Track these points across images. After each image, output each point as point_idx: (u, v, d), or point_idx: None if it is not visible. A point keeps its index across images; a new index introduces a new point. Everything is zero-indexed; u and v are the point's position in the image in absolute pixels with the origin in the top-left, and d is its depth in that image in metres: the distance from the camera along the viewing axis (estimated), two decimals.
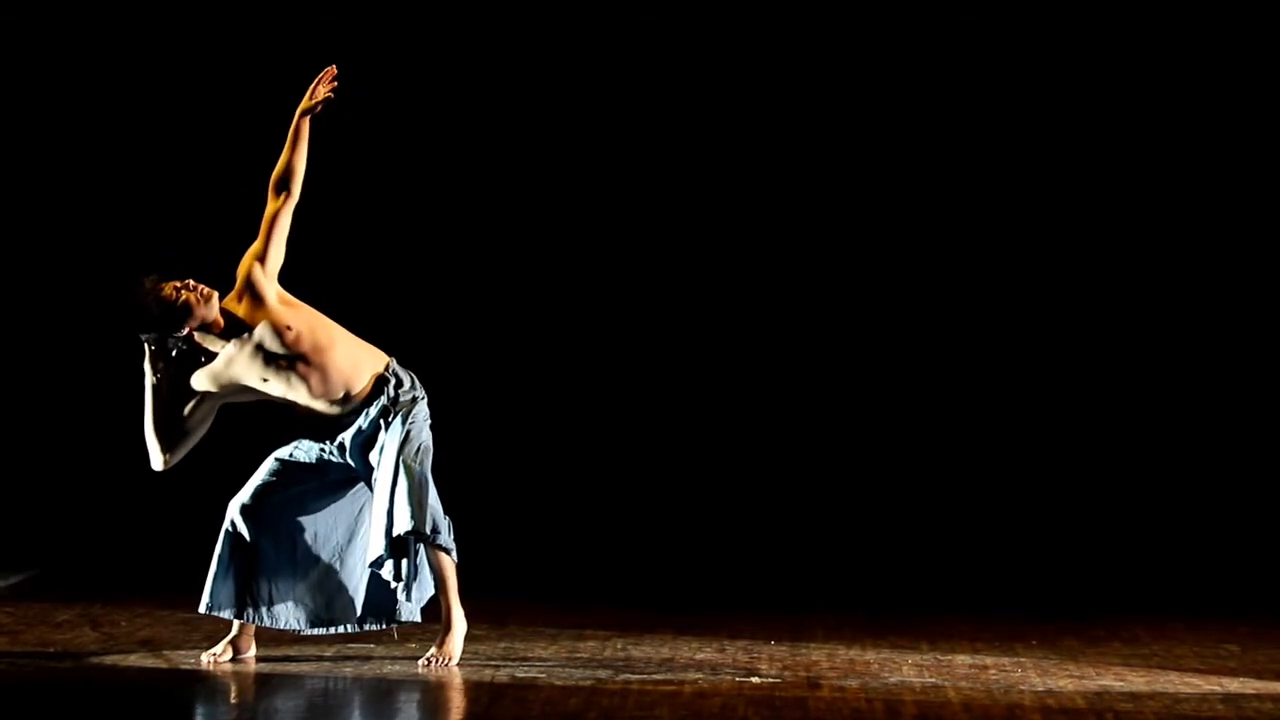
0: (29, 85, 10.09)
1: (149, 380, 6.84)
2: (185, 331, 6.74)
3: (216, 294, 6.79)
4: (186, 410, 6.86)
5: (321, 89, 6.93)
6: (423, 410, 6.90)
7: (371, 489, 6.86)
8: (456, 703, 6.40)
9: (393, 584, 6.77)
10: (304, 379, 6.80)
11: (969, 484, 10.06)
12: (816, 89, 10.12)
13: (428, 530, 6.71)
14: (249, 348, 6.79)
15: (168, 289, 6.73)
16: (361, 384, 6.83)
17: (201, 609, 6.90)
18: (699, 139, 10.15)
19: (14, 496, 9.99)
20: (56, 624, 7.74)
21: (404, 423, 6.80)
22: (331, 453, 6.90)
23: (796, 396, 10.18)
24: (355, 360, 6.84)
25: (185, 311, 6.73)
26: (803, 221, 10.18)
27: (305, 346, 6.78)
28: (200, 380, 6.84)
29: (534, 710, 6.12)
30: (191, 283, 6.76)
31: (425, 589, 6.92)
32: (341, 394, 6.83)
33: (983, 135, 10.07)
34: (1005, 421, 10.09)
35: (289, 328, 6.77)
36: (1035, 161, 10.07)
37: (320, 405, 6.84)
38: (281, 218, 6.82)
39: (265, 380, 6.79)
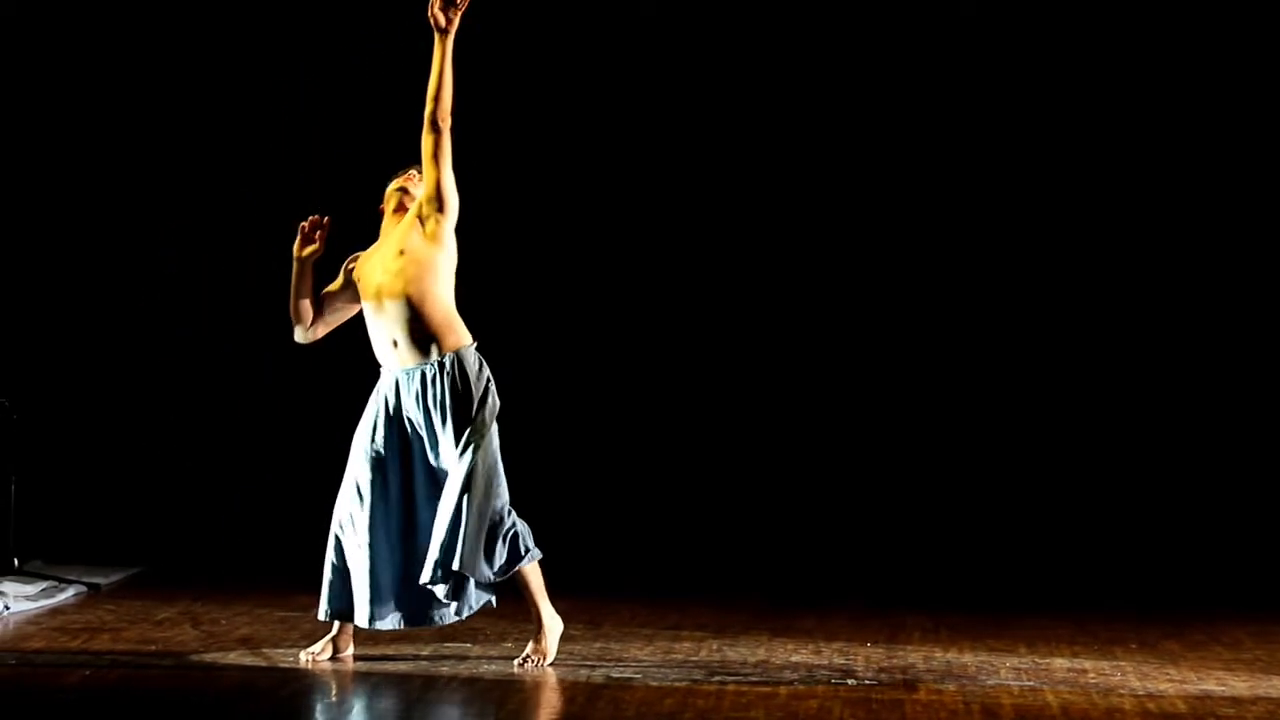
0: (34, 84, 10.15)
1: (296, 260, 7.03)
2: (380, 207, 7.06)
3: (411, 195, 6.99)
4: (329, 289, 7.07)
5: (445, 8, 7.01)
6: (485, 419, 6.85)
7: (437, 489, 6.85)
8: (552, 702, 6.41)
9: (444, 600, 6.79)
10: (377, 298, 6.87)
11: (1066, 485, 9.99)
12: (820, 87, 10.07)
13: (475, 576, 6.74)
14: (383, 246, 6.96)
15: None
16: (411, 345, 6.84)
17: (321, 616, 6.95)
18: (704, 138, 10.10)
19: (118, 495, 10.10)
20: (158, 621, 7.82)
21: (468, 441, 6.77)
22: (409, 442, 6.88)
23: (888, 400, 10.13)
24: (424, 322, 6.84)
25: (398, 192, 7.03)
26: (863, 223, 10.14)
27: (402, 272, 6.84)
28: (351, 263, 7.07)
29: (629, 711, 6.13)
30: (417, 175, 7.00)
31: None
32: (392, 337, 6.88)
33: (983, 134, 10.01)
34: (1103, 422, 10.01)
35: (402, 251, 6.88)
36: (1036, 160, 10.00)
37: (377, 335, 6.92)
38: (440, 151, 6.90)
39: (359, 279, 6.96)
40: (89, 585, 8.73)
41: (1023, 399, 10.06)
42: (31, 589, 8.44)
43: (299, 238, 7.07)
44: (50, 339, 10.16)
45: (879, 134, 10.10)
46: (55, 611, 8.09)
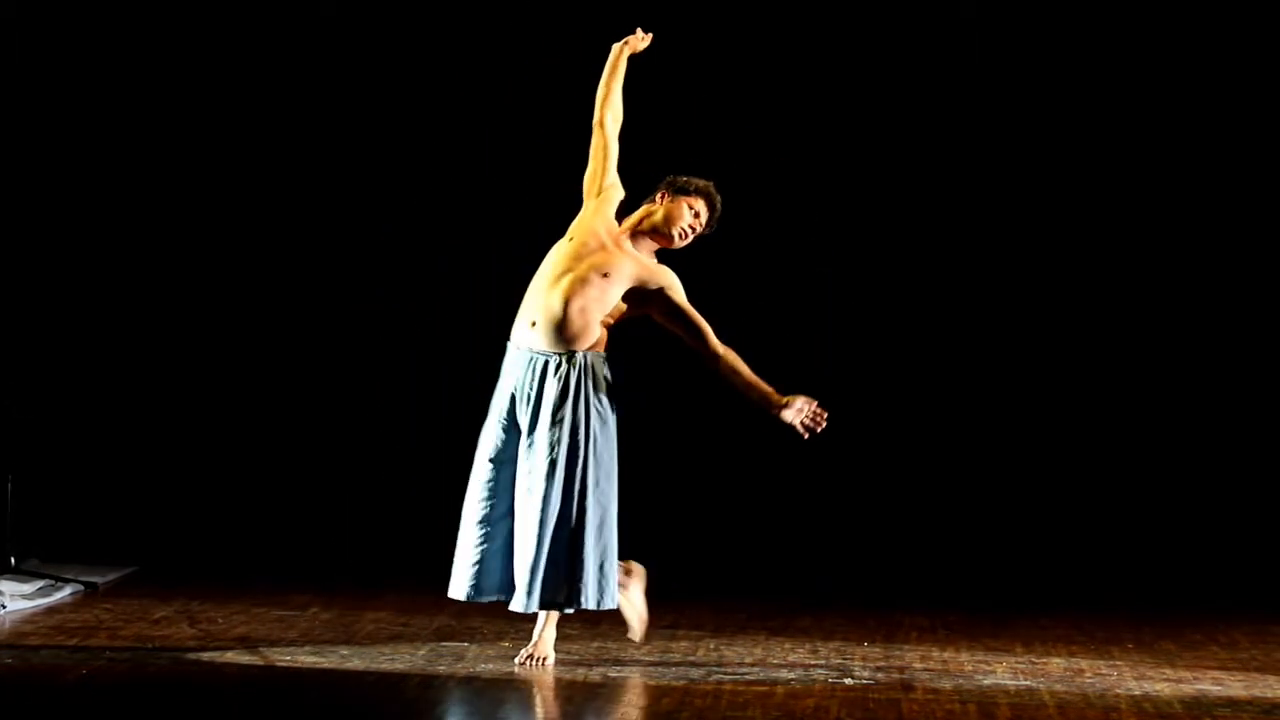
0: (33, 82, 10.12)
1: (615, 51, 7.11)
2: (654, 199, 7.06)
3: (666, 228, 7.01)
4: (609, 143, 7.10)
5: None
6: (600, 431, 6.81)
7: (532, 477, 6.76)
8: (550, 702, 6.42)
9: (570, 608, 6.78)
10: (564, 272, 6.80)
11: (1064, 485, 9.98)
12: (819, 89, 10.05)
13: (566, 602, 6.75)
14: (616, 232, 6.94)
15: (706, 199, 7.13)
16: (550, 332, 6.76)
17: (460, 597, 6.82)
18: (702, 139, 10.07)
19: (115, 493, 10.09)
20: (155, 620, 7.81)
21: (581, 448, 6.74)
22: (523, 433, 6.79)
23: (885, 399, 10.12)
24: (570, 319, 6.76)
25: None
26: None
27: (593, 268, 6.81)
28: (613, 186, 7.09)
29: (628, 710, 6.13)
30: (699, 219, 7.08)
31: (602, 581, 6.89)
32: (533, 318, 6.79)
33: (981, 137, 9.99)
34: (1100, 422, 10.00)
35: (607, 275, 6.82)
36: (1035, 162, 9.98)
37: (529, 304, 6.83)
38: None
39: (572, 237, 6.91)
40: (86, 584, 8.72)
41: (1020, 398, 10.05)
42: (28, 587, 8.44)
43: (637, 34, 7.08)
44: (48, 338, 10.15)
45: (877, 136, 10.08)
46: (52, 610, 8.08)
